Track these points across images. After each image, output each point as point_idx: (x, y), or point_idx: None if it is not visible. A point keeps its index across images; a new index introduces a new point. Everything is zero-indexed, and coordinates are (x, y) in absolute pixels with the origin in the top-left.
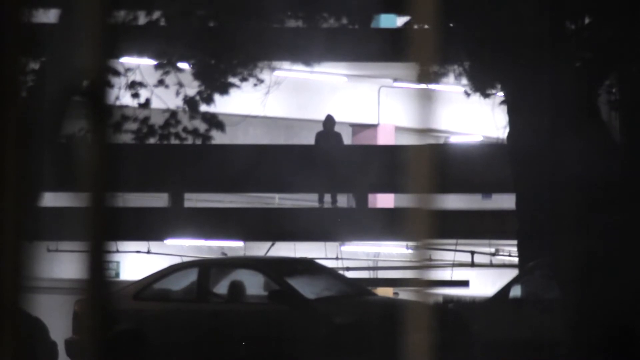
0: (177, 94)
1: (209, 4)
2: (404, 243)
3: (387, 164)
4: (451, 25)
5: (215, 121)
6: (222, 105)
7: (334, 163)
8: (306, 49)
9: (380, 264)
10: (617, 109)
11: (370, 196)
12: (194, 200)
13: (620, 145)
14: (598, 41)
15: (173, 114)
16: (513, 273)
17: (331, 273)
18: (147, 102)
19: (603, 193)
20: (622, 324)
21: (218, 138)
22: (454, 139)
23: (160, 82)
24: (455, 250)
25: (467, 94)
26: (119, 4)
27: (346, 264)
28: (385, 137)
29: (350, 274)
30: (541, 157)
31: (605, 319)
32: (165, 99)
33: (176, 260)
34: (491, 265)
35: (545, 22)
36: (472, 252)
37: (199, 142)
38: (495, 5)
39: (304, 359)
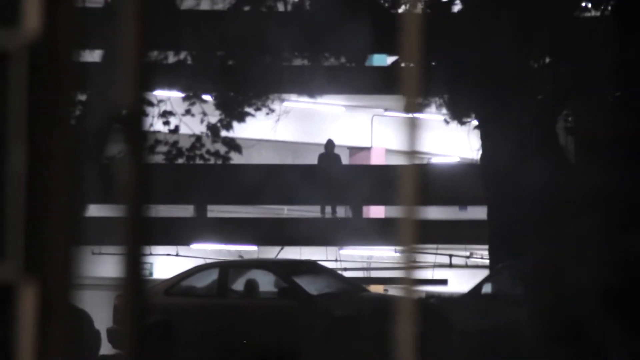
0: (202, 121)
1: (228, 45)
2: (393, 247)
3: (378, 181)
4: (433, 63)
5: (233, 144)
6: (239, 131)
7: (334, 180)
8: (310, 83)
9: (373, 265)
10: (572, 134)
11: (365, 208)
12: (216, 211)
13: (574, 165)
14: (557, 78)
15: (198, 138)
16: (485, 273)
17: (331, 273)
18: (176, 129)
19: (560, 206)
20: (572, 316)
21: (236, 159)
22: (435, 160)
23: (187, 112)
24: (436, 254)
25: (447, 122)
26: (152, 45)
27: (344, 265)
28: (377, 158)
29: (347, 274)
30: (509, 175)
31: (559, 312)
32: (191, 126)
33: (200, 262)
34: (466, 266)
35: (512, 61)
36: (450, 255)
37: (219, 162)
38: (470, 47)
39: (308, 347)
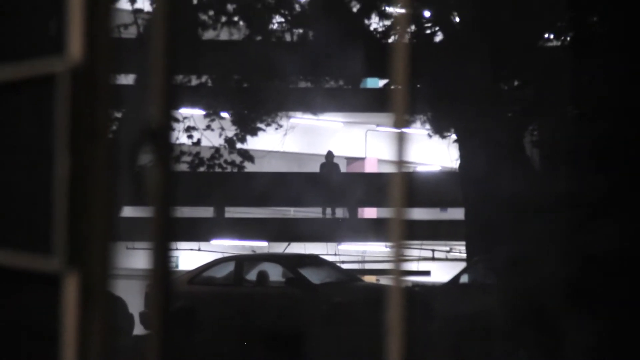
0: (220, 135)
1: (242, 70)
2: (384, 243)
3: (371, 186)
4: (418, 86)
5: (247, 155)
6: (252, 143)
7: (333, 186)
8: (313, 103)
9: (367, 259)
10: (537, 146)
11: (360, 209)
12: (232, 212)
13: (538, 172)
14: (524, 98)
15: (217, 150)
16: (462, 265)
17: (331, 265)
18: (198, 141)
19: (526, 207)
20: (537, 302)
21: (249, 167)
22: (420, 168)
23: (208, 127)
24: (421, 249)
25: (430, 136)
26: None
27: (342, 258)
28: (370, 167)
29: (345, 266)
30: (483, 181)
31: (526, 299)
32: (211, 139)
33: (219, 255)
34: (446, 259)
35: (486, 84)
36: (433, 250)
37: (235, 170)
38: (449, 72)
39: (311, 328)
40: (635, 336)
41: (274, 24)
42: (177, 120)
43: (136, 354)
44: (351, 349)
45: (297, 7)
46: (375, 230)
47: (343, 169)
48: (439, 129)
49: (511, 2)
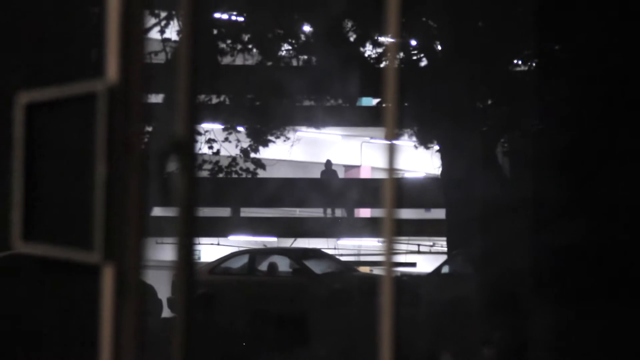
0: (236, 146)
1: (255, 90)
2: (377, 239)
3: (366, 190)
4: (406, 104)
5: (259, 163)
6: (263, 153)
7: (333, 189)
8: (315, 118)
9: (362, 252)
10: (507, 156)
11: (356, 210)
12: (246, 212)
13: (508, 178)
14: (496, 115)
15: (233, 159)
16: (443, 258)
17: (331, 257)
18: (218, 152)
19: (498, 208)
20: (508, 290)
21: (261, 174)
22: (407, 175)
23: (226, 139)
24: (408, 244)
25: (416, 147)
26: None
27: (340, 252)
28: (365, 174)
29: (343, 258)
30: (461, 186)
31: (498, 286)
32: (228, 150)
33: (235, 249)
34: (430, 253)
35: (464, 102)
36: (418, 245)
37: (249, 176)
38: (433, 92)
39: (314, 311)
40: (589, 316)
41: (282, 51)
42: (200, 134)
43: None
44: (348, 329)
45: (302, 37)
46: (369, 227)
47: (341, 175)
48: (424, 141)
49: (485, 33)
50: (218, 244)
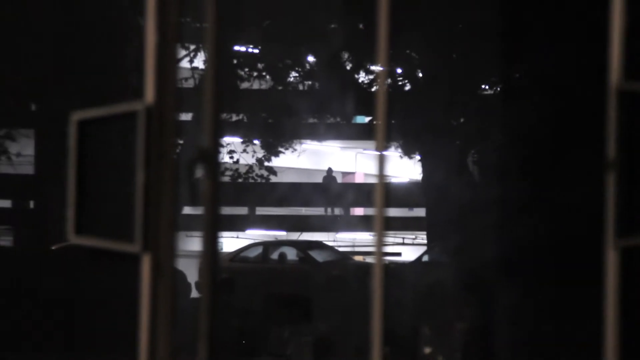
0: (252, 156)
1: (268, 110)
2: (369, 233)
3: (360, 192)
4: (393, 121)
5: (272, 170)
6: (275, 162)
7: (332, 192)
8: (318, 133)
9: (356, 244)
10: (477, 165)
11: (351, 209)
12: (261, 210)
13: (477, 183)
14: (467, 130)
15: (250, 167)
16: (423, 249)
17: (331, 248)
18: (237, 161)
19: (468, 208)
20: (477, 275)
21: (273, 179)
22: (394, 180)
23: (244, 150)
24: (394, 237)
25: (401, 157)
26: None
27: (338, 243)
28: (359, 179)
29: (340, 249)
30: (439, 189)
31: (469, 272)
32: (246, 159)
33: (251, 241)
34: (413, 244)
35: (441, 120)
36: (403, 238)
37: (263, 181)
38: (415, 111)
39: (316, 293)
40: (541, 295)
41: (290, 77)
42: (222, 146)
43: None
44: (344, 307)
45: (307, 66)
46: (363, 223)
47: (339, 180)
48: (408, 152)
49: (458, 63)
50: (237, 237)
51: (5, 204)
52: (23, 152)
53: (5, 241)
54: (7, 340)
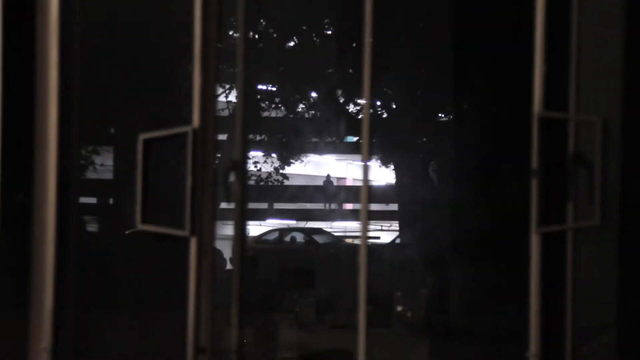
0: (271, 166)
1: (283, 132)
2: (356, 222)
3: (350, 192)
4: (374, 140)
5: (285, 176)
6: (287, 170)
7: (330, 192)
8: (319, 149)
9: (347, 230)
10: (436, 172)
11: (344, 204)
12: (277, 205)
13: (437, 187)
14: (429, 147)
15: (269, 174)
16: (396, 234)
17: (328, 233)
18: (260, 169)
19: (430, 204)
20: (437, 254)
21: (286, 183)
22: (375, 183)
23: (264, 161)
24: (375, 225)
25: (380, 166)
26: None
27: (334, 230)
28: (350, 183)
29: (336, 234)
30: (407, 190)
31: (431, 252)
32: (266, 168)
33: (270, 228)
34: (389, 230)
35: (410, 139)
36: (382, 226)
37: (279, 184)
38: (390, 133)
39: (317, 267)
40: (485, 271)
41: (299, 108)
42: (248, 158)
43: (227, 280)
44: (338, 277)
45: (311, 99)
46: (352, 215)
47: (335, 183)
48: (385, 163)
49: (422, 96)
50: (260, 225)
51: (92, 200)
52: (105, 163)
53: (93, 228)
54: (90, 301)
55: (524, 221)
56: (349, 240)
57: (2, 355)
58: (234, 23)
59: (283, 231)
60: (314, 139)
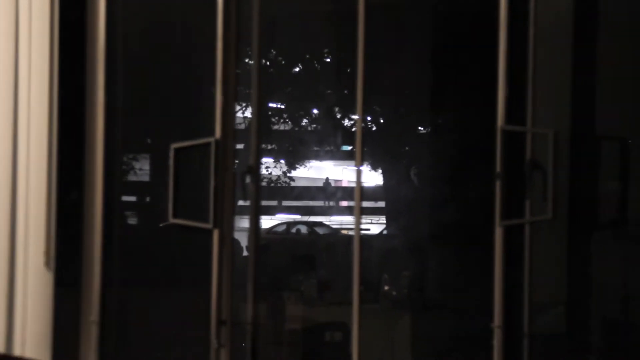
0: (280, 170)
1: (290, 142)
2: (351, 216)
3: (345, 192)
4: (365, 149)
5: (291, 179)
6: (294, 173)
7: (329, 192)
8: (319, 156)
9: (343, 223)
10: (416, 176)
11: (340, 202)
12: (285, 203)
13: (417, 187)
14: (410, 155)
15: (278, 177)
16: (383, 226)
17: (328, 226)
18: (271, 173)
19: (411, 201)
20: (418, 243)
21: (292, 184)
22: (366, 184)
23: (275, 166)
24: (366, 218)
25: (370, 170)
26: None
27: (332, 223)
28: (345, 184)
29: (334, 226)
30: (392, 190)
31: (412, 241)
32: (276, 172)
33: (279, 221)
34: (377, 224)
35: (393, 148)
36: (371, 219)
37: (286, 185)
38: (378, 144)
39: (318, 254)
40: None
41: (303, 122)
42: (261, 164)
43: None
44: (336, 262)
45: (313, 115)
46: (347, 210)
47: (333, 184)
48: (374, 167)
49: (405, 113)
50: (271, 219)
51: (132, 198)
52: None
53: (133, 221)
54: (131, 281)
55: (489, 216)
56: (344, 232)
57: (59, 325)
58: (249, 52)
59: (290, 224)
60: (315, 148)
